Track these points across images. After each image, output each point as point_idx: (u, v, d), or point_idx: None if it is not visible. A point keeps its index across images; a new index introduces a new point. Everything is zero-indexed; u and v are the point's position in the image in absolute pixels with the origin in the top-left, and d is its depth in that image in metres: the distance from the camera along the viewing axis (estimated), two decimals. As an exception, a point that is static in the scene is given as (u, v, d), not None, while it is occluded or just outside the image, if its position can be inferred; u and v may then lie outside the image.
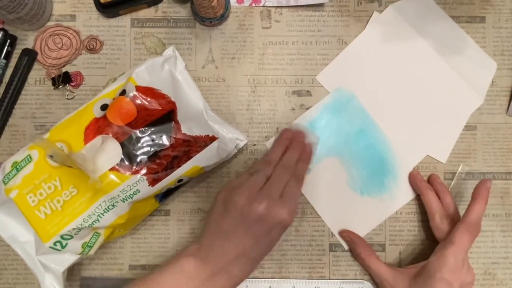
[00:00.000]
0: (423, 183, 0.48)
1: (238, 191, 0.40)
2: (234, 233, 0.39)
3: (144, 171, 0.42)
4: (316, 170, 0.49)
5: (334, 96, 0.50)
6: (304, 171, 0.44)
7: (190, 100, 0.46)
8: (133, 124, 0.43)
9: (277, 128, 0.50)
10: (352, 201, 0.49)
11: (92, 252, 0.43)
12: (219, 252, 0.39)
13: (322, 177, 0.49)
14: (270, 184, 0.41)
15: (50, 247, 0.41)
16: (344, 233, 0.49)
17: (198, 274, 0.39)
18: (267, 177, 0.41)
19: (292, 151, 0.44)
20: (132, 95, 0.44)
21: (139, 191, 0.42)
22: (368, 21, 0.51)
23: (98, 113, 0.44)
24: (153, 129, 0.43)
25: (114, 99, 0.44)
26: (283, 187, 0.41)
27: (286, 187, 0.41)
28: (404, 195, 0.50)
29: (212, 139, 0.45)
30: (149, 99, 0.44)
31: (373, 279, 0.48)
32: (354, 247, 0.48)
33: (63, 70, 0.50)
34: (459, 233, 0.43)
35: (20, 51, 0.49)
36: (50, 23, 0.50)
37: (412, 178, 0.49)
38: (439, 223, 0.46)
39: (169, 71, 0.46)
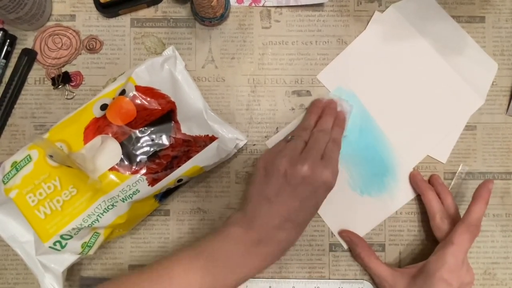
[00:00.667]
0: (423, 183, 0.48)
1: (279, 155, 0.40)
2: (278, 198, 0.39)
3: (143, 171, 0.42)
4: None
5: (335, 95, 0.50)
6: (340, 135, 0.45)
7: (190, 100, 0.46)
8: (132, 124, 0.43)
9: (277, 128, 0.50)
10: (352, 201, 0.49)
11: (91, 252, 0.43)
12: (264, 218, 0.39)
13: None
14: (310, 146, 0.41)
15: (50, 247, 0.41)
16: (343, 233, 0.49)
17: (245, 241, 0.39)
18: (305, 141, 0.42)
19: (326, 116, 0.45)
20: (131, 95, 0.44)
21: (139, 191, 0.42)
22: (368, 21, 0.51)
23: (97, 113, 0.44)
24: (152, 129, 0.43)
25: (113, 99, 0.44)
26: (323, 149, 0.41)
27: (326, 149, 0.41)
28: (404, 195, 0.50)
29: (212, 139, 0.45)
30: (148, 99, 0.44)
31: (372, 279, 0.48)
32: (354, 247, 0.48)
33: (63, 70, 0.50)
34: (459, 233, 0.43)
35: (19, 51, 0.49)
36: (49, 23, 0.50)
37: (413, 178, 0.49)
38: (440, 223, 0.46)
39: (169, 71, 0.46)
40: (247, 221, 0.40)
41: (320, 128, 0.44)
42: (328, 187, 0.41)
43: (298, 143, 0.42)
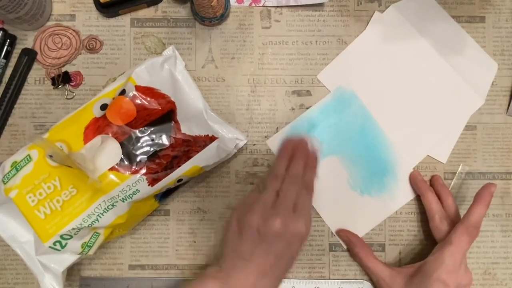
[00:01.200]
0: (423, 184, 0.48)
1: (250, 211, 0.39)
2: (253, 256, 0.38)
3: (143, 171, 0.42)
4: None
5: (335, 94, 0.50)
6: (313, 179, 0.43)
7: (190, 100, 0.46)
8: (132, 124, 0.43)
9: (277, 128, 0.50)
10: (352, 200, 0.49)
11: (91, 252, 0.43)
12: (240, 277, 0.38)
13: (322, 176, 0.49)
14: (282, 198, 0.39)
15: (50, 247, 0.41)
16: (341, 233, 0.49)
17: None
18: (276, 192, 0.40)
19: (297, 160, 0.42)
20: (131, 95, 0.43)
21: (139, 191, 0.42)
22: (368, 21, 0.51)
23: (97, 113, 0.44)
24: (152, 129, 0.43)
25: (113, 98, 0.44)
26: (295, 199, 0.40)
27: (298, 198, 0.40)
28: (403, 195, 0.50)
29: (212, 139, 0.45)
30: (148, 99, 0.44)
31: (370, 279, 0.48)
32: (352, 246, 0.48)
33: (63, 70, 0.50)
34: (457, 234, 0.43)
35: (19, 51, 0.49)
36: (49, 23, 0.50)
37: (413, 179, 0.49)
38: (439, 224, 0.46)
39: (169, 71, 0.46)
40: (223, 277, 0.38)
41: (291, 175, 0.41)
42: (303, 238, 0.39)
43: (268, 196, 0.39)
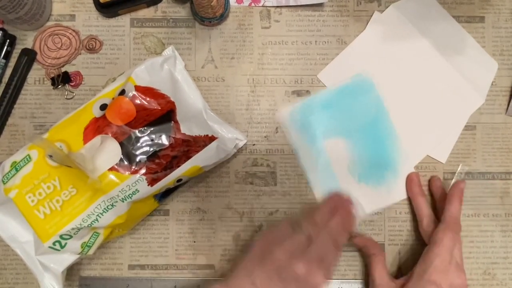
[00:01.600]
0: (417, 188, 0.48)
1: (279, 244, 0.38)
2: (265, 286, 0.37)
3: (143, 171, 0.42)
4: (321, 146, 0.49)
5: (355, 80, 0.50)
6: (345, 241, 0.43)
7: (190, 100, 0.46)
8: (132, 124, 0.43)
9: (277, 128, 0.50)
10: (347, 183, 0.49)
11: (91, 252, 0.43)
12: None
13: (324, 153, 0.49)
14: (314, 247, 0.39)
15: (49, 247, 0.41)
16: (358, 240, 0.48)
17: None
18: (311, 237, 0.40)
19: (339, 218, 0.42)
20: (131, 95, 0.44)
21: (138, 191, 0.42)
22: (367, 21, 0.51)
23: (97, 113, 0.44)
24: (152, 129, 0.43)
25: (113, 99, 0.44)
26: (324, 251, 0.39)
27: (328, 253, 0.39)
28: (400, 193, 0.50)
29: (212, 139, 0.45)
30: (148, 99, 0.44)
31: (366, 280, 0.48)
32: (370, 248, 0.47)
33: (63, 70, 0.50)
34: (440, 233, 0.44)
35: (19, 51, 0.49)
36: (49, 23, 0.50)
37: (409, 180, 0.49)
38: (426, 228, 0.47)
39: (169, 71, 0.46)
40: None
41: (330, 230, 0.41)
42: None
43: (303, 238, 0.39)
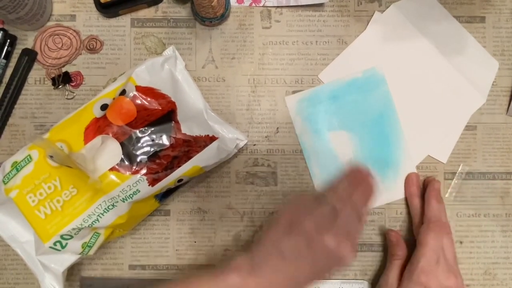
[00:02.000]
0: (416, 189, 0.49)
1: (308, 215, 0.38)
2: (293, 257, 0.37)
3: (144, 171, 0.42)
4: (325, 137, 0.50)
5: (366, 73, 0.50)
6: (367, 213, 0.43)
7: (190, 100, 0.46)
8: (133, 124, 0.43)
9: (277, 128, 0.50)
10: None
11: (92, 252, 0.43)
12: (270, 273, 0.36)
13: (328, 144, 0.49)
14: (342, 220, 0.39)
15: (50, 247, 0.41)
16: (392, 233, 0.48)
17: None
18: (336, 210, 0.39)
19: (361, 191, 0.42)
20: (132, 95, 0.44)
21: (139, 191, 0.42)
22: (368, 21, 0.51)
23: (98, 113, 0.44)
24: (153, 129, 0.43)
25: (114, 99, 0.44)
26: (350, 224, 0.39)
27: (352, 224, 0.39)
28: (399, 192, 0.50)
29: (212, 139, 0.45)
30: (149, 99, 0.44)
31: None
32: (396, 248, 0.47)
33: (63, 70, 0.50)
34: (422, 234, 0.44)
35: (20, 51, 0.49)
36: (50, 23, 0.50)
37: (409, 180, 0.49)
38: (416, 229, 0.47)
39: (169, 71, 0.46)
40: (252, 267, 0.37)
41: (354, 204, 0.41)
42: (344, 265, 0.39)
43: (330, 211, 0.39)
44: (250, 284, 0.36)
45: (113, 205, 0.42)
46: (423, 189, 0.49)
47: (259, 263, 0.37)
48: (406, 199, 0.50)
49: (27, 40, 0.50)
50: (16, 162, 0.42)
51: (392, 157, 0.50)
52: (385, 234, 0.49)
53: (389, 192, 0.50)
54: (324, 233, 0.38)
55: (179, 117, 0.45)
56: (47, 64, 0.50)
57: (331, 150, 0.50)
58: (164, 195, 0.47)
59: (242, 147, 0.49)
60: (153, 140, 0.43)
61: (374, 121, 0.50)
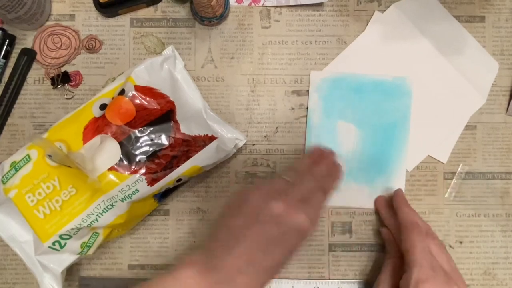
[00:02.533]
0: (405, 201, 0.47)
1: (257, 192, 0.37)
2: (245, 235, 0.35)
3: (143, 170, 0.42)
4: (333, 123, 0.50)
5: (396, 80, 0.50)
6: (331, 186, 0.41)
7: (189, 99, 0.46)
8: (132, 124, 0.43)
9: (277, 128, 0.50)
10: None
11: (91, 252, 0.43)
12: (227, 258, 0.34)
13: (333, 130, 0.50)
14: (292, 188, 0.37)
15: (49, 247, 0.41)
16: (384, 231, 0.47)
17: (198, 286, 0.34)
18: (290, 182, 0.38)
19: (322, 165, 0.40)
20: (131, 95, 0.43)
21: (138, 190, 0.42)
22: (367, 21, 0.51)
23: (97, 112, 0.44)
24: (152, 128, 0.43)
25: (113, 98, 0.44)
26: (307, 194, 0.37)
27: (311, 195, 0.37)
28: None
29: (211, 138, 0.45)
30: (148, 98, 0.44)
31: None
32: (388, 246, 0.47)
33: (62, 69, 0.50)
34: (403, 240, 0.42)
35: (19, 50, 0.49)
36: (49, 23, 0.50)
37: (399, 195, 0.47)
38: (399, 241, 0.46)
39: (168, 70, 0.46)
40: (204, 259, 0.35)
41: (311, 172, 0.39)
42: (301, 233, 0.36)
43: (280, 182, 0.37)
44: (205, 277, 0.34)
45: (112, 205, 0.42)
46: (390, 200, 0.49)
47: (212, 252, 0.35)
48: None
49: (26, 39, 0.50)
50: (15, 161, 0.42)
51: (387, 167, 0.50)
52: (381, 234, 0.49)
53: (372, 198, 0.50)
54: (270, 200, 0.36)
55: (178, 116, 0.45)
56: (46, 63, 0.50)
57: (334, 137, 0.50)
58: (163, 195, 0.47)
59: (242, 147, 0.49)
60: (152, 140, 0.43)
61: (385, 128, 0.50)
